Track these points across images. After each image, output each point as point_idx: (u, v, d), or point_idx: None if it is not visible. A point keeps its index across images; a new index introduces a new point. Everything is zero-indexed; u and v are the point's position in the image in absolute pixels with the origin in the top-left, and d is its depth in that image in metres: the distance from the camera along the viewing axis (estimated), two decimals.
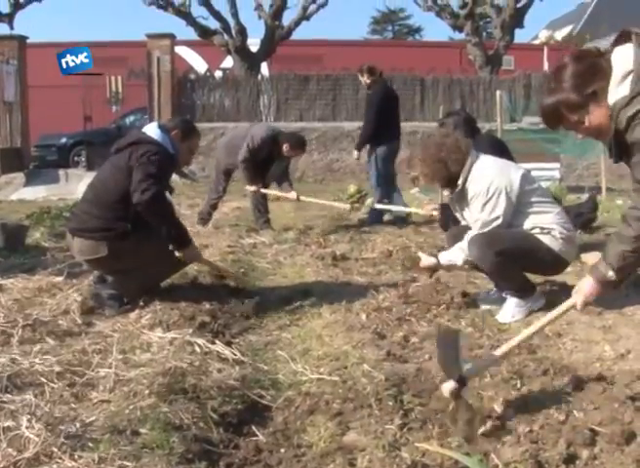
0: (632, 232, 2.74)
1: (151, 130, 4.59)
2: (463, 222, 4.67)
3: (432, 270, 4.78)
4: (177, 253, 4.49)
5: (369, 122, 8.98)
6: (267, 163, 8.25)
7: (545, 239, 4.26)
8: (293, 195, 8.32)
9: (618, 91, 2.60)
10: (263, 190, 8.30)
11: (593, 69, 2.65)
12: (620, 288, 2.94)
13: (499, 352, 2.96)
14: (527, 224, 4.32)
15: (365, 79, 9.04)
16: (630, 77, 2.57)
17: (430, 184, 4.79)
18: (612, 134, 2.65)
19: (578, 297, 2.91)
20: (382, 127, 8.77)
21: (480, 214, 4.32)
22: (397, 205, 8.82)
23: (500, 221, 4.27)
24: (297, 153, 8.61)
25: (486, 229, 4.28)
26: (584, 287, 2.90)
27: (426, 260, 4.70)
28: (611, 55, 2.65)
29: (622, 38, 2.66)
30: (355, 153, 9.53)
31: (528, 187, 4.35)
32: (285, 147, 8.07)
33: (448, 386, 2.67)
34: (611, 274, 2.81)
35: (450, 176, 4.40)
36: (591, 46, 2.77)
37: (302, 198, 8.45)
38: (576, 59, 2.71)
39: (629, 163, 2.71)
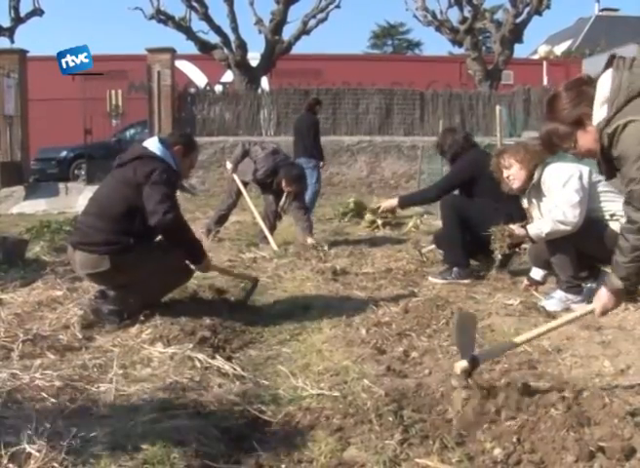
0: (628, 244, 2.92)
1: (153, 145, 4.59)
2: (536, 216, 5.10)
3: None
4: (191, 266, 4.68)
5: None
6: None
7: (614, 226, 4.54)
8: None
9: (599, 113, 2.78)
10: (236, 178, 8.26)
11: (579, 98, 2.87)
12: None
13: (517, 339, 3.23)
14: (597, 212, 4.75)
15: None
16: (608, 101, 2.75)
17: (519, 175, 5.11)
18: (599, 152, 2.82)
19: (596, 305, 3.14)
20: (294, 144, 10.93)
21: (560, 195, 4.75)
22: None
23: (579, 199, 4.67)
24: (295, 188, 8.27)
25: (567, 210, 4.68)
26: (601, 295, 3.11)
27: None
28: (598, 80, 2.85)
29: (609, 63, 2.82)
30: None
31: (595, 179, 4.82)
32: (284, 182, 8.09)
33: (461, 365, 2.90)
34: (619, 283, 3.00)
35: (531, 172, 4.98)
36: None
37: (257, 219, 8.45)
38: (566, 89, 2.95)
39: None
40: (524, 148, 5.08)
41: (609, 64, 2.81)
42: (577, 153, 3.01)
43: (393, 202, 6.67)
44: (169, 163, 4.54)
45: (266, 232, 8.07)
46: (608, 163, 2.84)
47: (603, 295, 3.10)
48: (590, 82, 2.88)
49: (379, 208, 6.90)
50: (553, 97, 2.99)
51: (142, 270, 4.34)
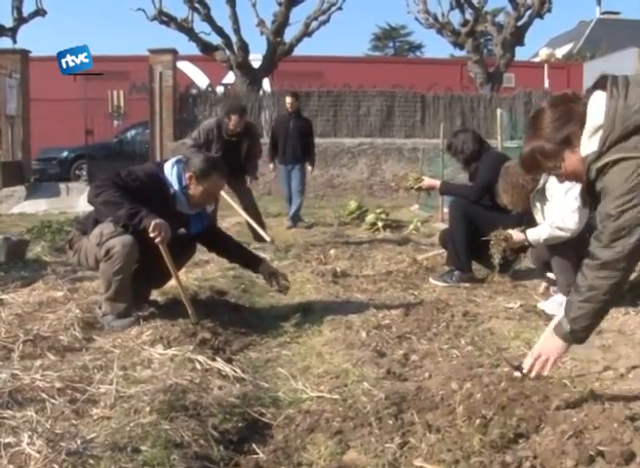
0: (586, 282, 2.77)
1: (168, 162, 4.57)
2: (539, 221, 5.05)
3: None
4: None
5: None
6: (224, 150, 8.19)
7: None
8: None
9: (589, 144, 2.64)
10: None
11: (568, 115, 2.69)
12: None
13: None
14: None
15: None
16: (600, 132, 2.59)
17: (520, 207, 5.15)
18: (585, 184, 2.71)
19: (539, 349, 2.91)
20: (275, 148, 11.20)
21: (562, 201, 4.75)
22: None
23: (578, 205, 4.61)
24: (240, 119, 8.28)
25: (566, 216, 4.71)
26: (547, 340, 2.91)
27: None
28: (588, 99, 2.68)
29: (600, 84, 2.67)
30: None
31: None
32: (232, 120, 8.18)
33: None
34: (567, 327, 2.79)
35: (530, 192, 4.96)
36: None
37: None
38: (551, 106, 2.76)
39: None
40: (513, 189, 4.96)
41: (599, 86, 2.65)
42: (561, 174, 2.84)
43: (436, 183, 6.67)
44: (170, 183, 4.47)
45: (254, 224, 8.28)
46: (592, 196, 2.73)
47: (551, 345, 2.88)
48: (576, 99, 2.73)
49: (418, 179, 6.60)
50: (538, 113, 2.81)
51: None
